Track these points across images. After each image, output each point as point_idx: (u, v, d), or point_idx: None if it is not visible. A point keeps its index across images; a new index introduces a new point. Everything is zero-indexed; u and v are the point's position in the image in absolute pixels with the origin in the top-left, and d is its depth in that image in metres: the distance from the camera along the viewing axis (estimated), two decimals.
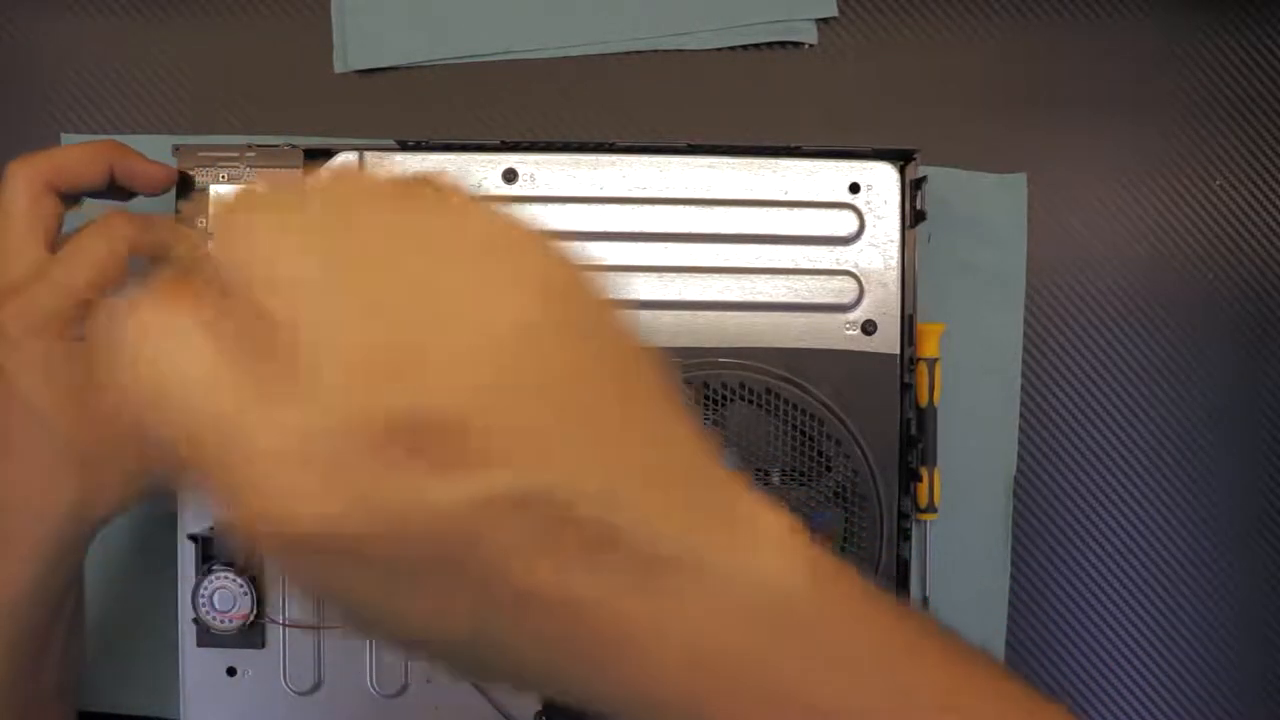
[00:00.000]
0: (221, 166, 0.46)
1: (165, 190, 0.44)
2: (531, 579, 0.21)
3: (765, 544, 0.24)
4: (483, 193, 0.46)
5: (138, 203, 0.50)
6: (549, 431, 0.21)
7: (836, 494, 0.45)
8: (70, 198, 0.41)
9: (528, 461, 0.20)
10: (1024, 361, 0.51)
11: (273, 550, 0.20)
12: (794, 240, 0.46)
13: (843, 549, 0.45)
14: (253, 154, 0.46)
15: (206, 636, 0.45)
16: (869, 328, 0.46)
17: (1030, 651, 0.51)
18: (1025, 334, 0.51)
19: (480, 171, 0.46)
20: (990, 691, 0.26)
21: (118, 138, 0.51)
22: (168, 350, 0.21)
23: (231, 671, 0.46)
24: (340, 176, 0.24)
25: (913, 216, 0.46)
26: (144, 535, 0.50)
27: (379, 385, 0.20)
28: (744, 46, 0.51)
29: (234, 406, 0.20)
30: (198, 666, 0.46)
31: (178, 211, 0.45)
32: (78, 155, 0.40)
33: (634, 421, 0.23)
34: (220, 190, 0.46)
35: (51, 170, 0.39)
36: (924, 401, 0.47)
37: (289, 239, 0.21)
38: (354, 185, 0.23)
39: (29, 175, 0.39)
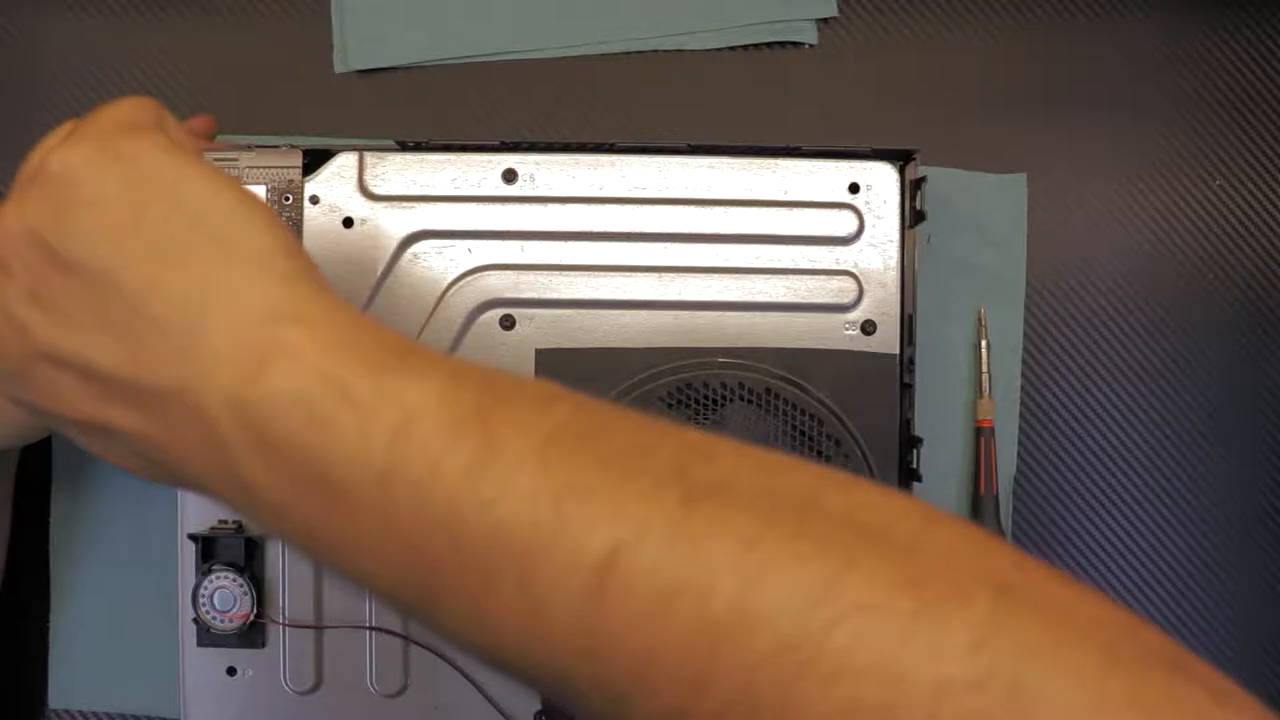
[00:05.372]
0: (222, 166, 0.46)
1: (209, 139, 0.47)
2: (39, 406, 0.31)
3: (204, 340, 0.28)
4: (482, 193, 0.46)
5: None
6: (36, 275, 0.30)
7: None
8: None
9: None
10: (1024, 361, 0.51)
11: None
12: (794, 240, 0.46)
13: None
14: (253, 154, 0.46)
15: (206, 636, 0.45)
16: (869, 328, 0.46)
17: None
18: (1025, 334, 0.51)
19: (480, 171, 0.46)
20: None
21: None
22: None
23: (231, 671, 0.46)
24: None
25: (913, 216, 0.46)
26: (144, 535, 0.50)
27: None
28: (744, 46, 0.51)
29: None
30: (198, 666, 0.46)
31: None
32: None
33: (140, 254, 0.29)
34: None
35: None
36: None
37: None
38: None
39: None
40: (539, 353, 0.45)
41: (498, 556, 0.24)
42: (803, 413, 0.45)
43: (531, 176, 0.46)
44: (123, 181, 0.30)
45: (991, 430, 0.49)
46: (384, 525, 0.25)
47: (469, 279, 0.46)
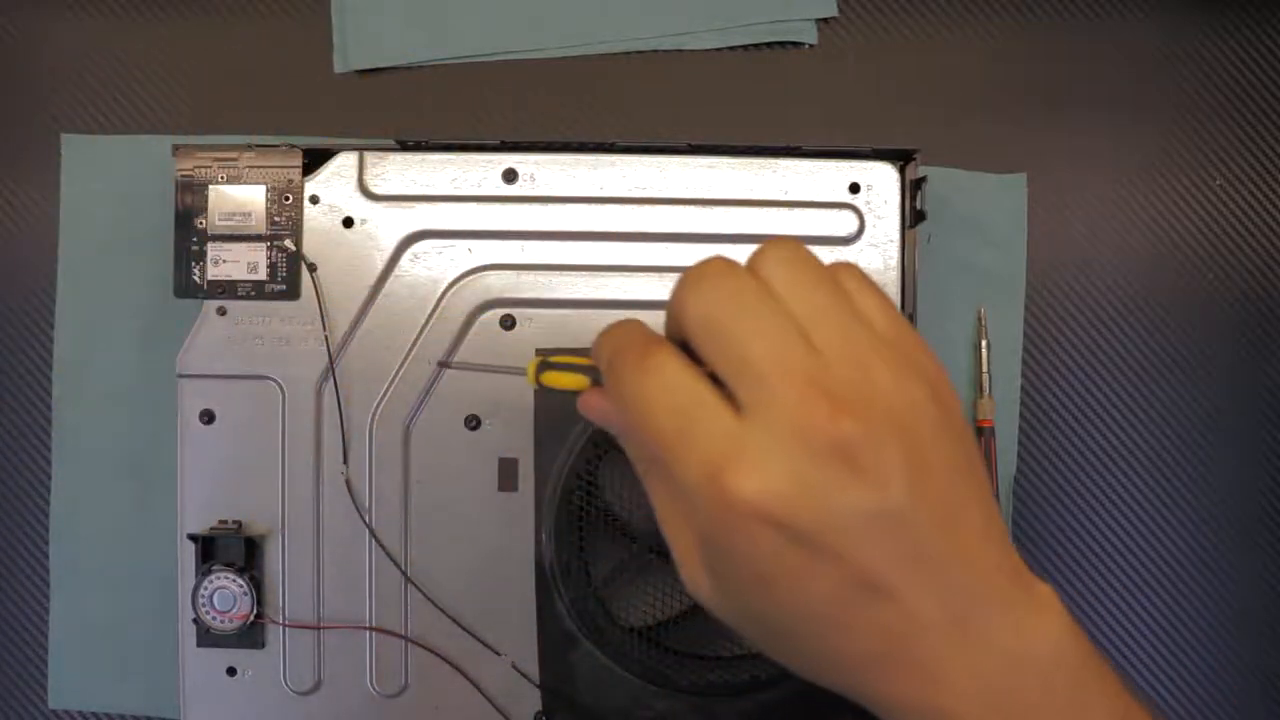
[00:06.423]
0: (221, 166, 0.46)
1: None
2: (876, 578, 0.28)
3: (1048, 609, 0.29)
4: (482, 193, 0.46)
5: (147, 229, 0.51)
6: (919, 478, 0.28)
7: None
8: None
9: (902, 492, 0.27)
10: (1024, 361, 0.51)
11: (719, 507, 0.27)
12: None
13: None
14: (252, 154, 0.46)
15: (206, 636, 0.45)
16: None
17: None
18: (1025, 334, 0.51)
19: (480, 171, 0.46)
20: None
21: (118, 138, 0.51)
22: (663, 380, 0.29)
23: (231, 671, 0.46)
24: (779, 252, 0.30)
25: (913, 216, 0.46)
26: (144, 535, 0.50)
27: (824, 411, 0.27)
28: (744, 46, 0.51)
29: (716, 415, 0.28)
30: (198, 666, 0.46)
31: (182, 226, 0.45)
32: None
33: (967, 496, 0.29)
34: (222, 190, 0.46)
35: None
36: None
37: (747, 296, 0.29)
38: (788, 259, 0.30)
39: None
40: (539, 353, 0.45)
41: None
42: None
43: (531, 176, 0.46)
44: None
45: (991, 430, 0.49)
46: None
47: (469, 279, 0.46)
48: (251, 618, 0.45)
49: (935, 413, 0.29)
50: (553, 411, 0.45)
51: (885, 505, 0.27)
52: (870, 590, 0.28)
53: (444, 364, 0.45)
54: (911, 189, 0.46)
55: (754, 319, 0.28)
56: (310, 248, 0.46)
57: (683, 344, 0.30)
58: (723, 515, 0.27)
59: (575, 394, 0.33)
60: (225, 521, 0.46)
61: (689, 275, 0.30)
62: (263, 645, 0.46)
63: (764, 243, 0.30)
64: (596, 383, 0.33)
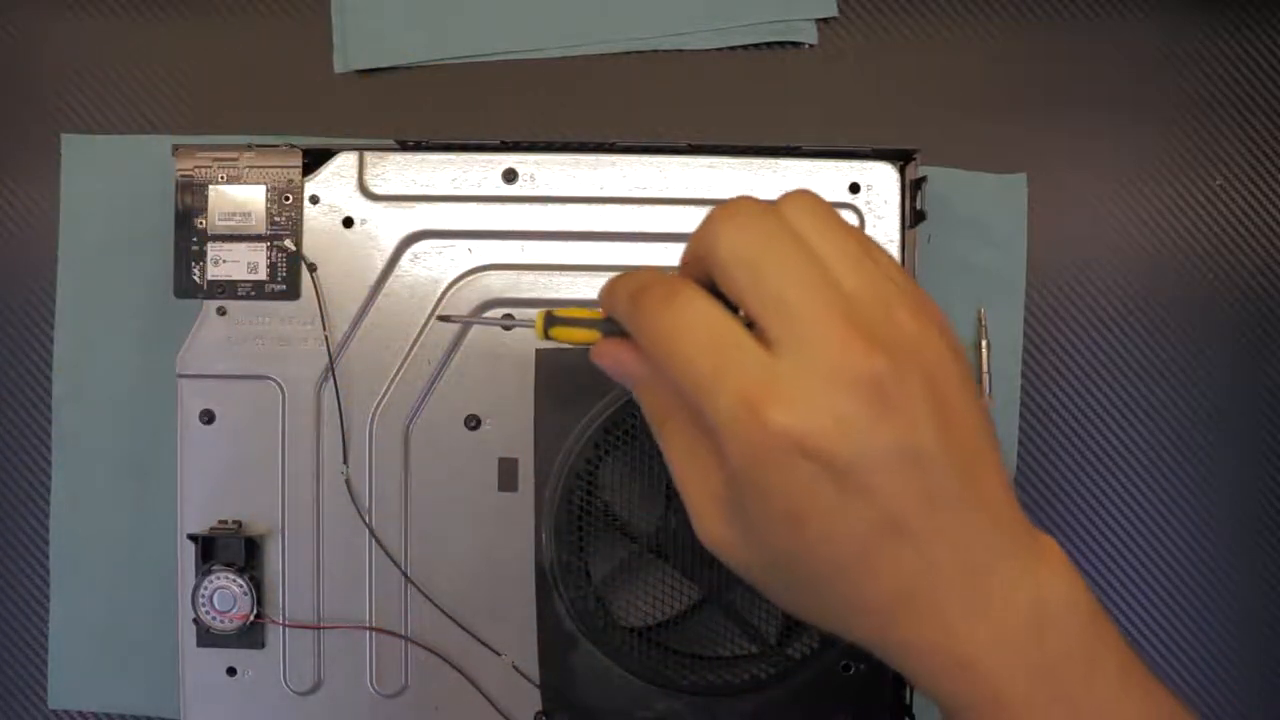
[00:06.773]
0: (221, 166, 0.46)
1: None
2: (900, 518, 0.28)
3: (1056, 561, 0.30)
4: (482, 193, 0.46)
5: (144, 217, 0.51)
6: (943, 420, 0.28)
7: None
8: None
9: (929, 431, 0.28)
10: (1024, 361, 0.51)
11: (754, 442, 0.28)
12: None
13: None
14: (252, 154, 0.46)
15: (206, 636, 0.45)
16: None
17: None
18: (1025, 334, 0.51)
19: (480, 171, 0.46)
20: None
21: (118, 138, 0.51)
22: (693, 317, 0.29)
23: (231, 671, 0.46)
24: (803, 201, 0.30)
25: (913, 216, 0.46)
26: (144, 535, 0.50)
27: (859, 349, 0.27)
28: (744, 46, 0.51)
29: (750, 350, 0.28)
30: (198, 666, 0.46)
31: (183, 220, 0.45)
32: None
33: (981, 443, 0.30)
34: (222, 190, 0.46)
35: None
36: None
37: (781, 236, 0.29)
38: (813, 208, 0.30)
39: None
40: (539, 353, 0.45)
41: None
42: None
43: (531, 176, 0.46)
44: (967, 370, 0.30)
45: None
46: None
47: (469, 279, 0.46)
48: (251, 618, 0.45)
49: (950, 357, 0.29)
50: (553, 411, 0.45)
51: (914, 443, 0.28)
52: (894, 531, 0.28)
53: (444, 318, 0.45)
54: (911, 189, 0.46)
55: (787, 258, 0.29)
56: (310, 248, 0.46)
57: (702, 283, 0.30)
58: (758, 450, 0.27)
59: (585, 347, 0.33)
60: (225, 521, 0.46)
61: (721, 212, 0.30)
62: (263, 645, 0.46)
63: (785, 192, 0.31)
64: (607, 334, 0.33)
